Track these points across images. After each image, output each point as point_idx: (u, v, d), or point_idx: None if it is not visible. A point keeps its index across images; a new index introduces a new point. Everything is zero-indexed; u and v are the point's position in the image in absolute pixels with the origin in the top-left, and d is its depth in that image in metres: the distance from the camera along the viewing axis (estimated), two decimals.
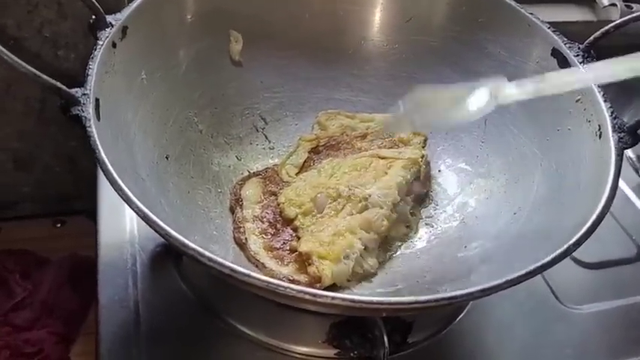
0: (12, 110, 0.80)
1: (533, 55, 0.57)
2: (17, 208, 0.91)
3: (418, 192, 0.58)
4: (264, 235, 0.53)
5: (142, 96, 0.52)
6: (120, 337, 0.49)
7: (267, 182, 0.58)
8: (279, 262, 0.51)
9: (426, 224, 0.57)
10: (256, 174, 0.59)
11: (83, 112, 0.41)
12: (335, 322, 0.51)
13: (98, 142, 0.40)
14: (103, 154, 0.39)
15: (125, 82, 0.50)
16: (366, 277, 0.51)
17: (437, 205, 0.59)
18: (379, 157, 0.58)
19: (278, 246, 0.52)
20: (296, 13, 0.63)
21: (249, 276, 0.33)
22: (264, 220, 0.54)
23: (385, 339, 0.47)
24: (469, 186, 0.58)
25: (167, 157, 0.53)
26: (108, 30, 0.48)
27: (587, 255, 0.63)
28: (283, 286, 0.33)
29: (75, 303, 0.76)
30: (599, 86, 0.50)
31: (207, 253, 0.34)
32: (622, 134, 0.47)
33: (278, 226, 0.53)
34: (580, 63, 0.53)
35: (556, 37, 0.55)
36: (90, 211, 0.92)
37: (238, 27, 0.61)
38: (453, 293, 0.35)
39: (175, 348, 0.50)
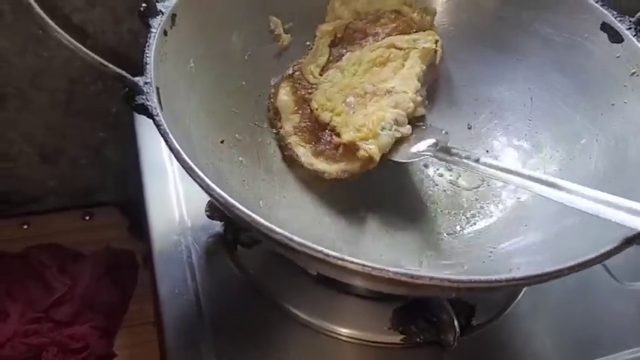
0: (38, 102, 0.78)
1: (582, 30, 0.56)
2: (42, 202, 0.89)
3: (430, 80, 0.61)
4: (309, 144, 0.55)
5: (191, 85, 0.51)
6: (185, 329, 0.48)
7: (297, 86, 0.59)
8: (332, 162, 0.54)
9: (481, 207, 0.56)
10: (285, 78, 0.60)
11: (148, 101, 0.40)
12: (398, 307, 0.51)
13: (169, 131, 0.39)
14: (176, 144, 0.38)
15: (176, 70, 0.49)
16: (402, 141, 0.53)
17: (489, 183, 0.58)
18: (395, 48, 0.59)
19: (324, 149, 0.54)
20: None
21: (343, 259, 0.33)
22: (305, 129, 0.56)
23: (455, 322, 0.46)
24: (525, 164, 0.57)
25: (222, 142, 0.52)
26: (159, 18, 0.47)
27: None
28: (378, 269, 0.33)
29: (114, 296, 0.75)
30: None
31: (296, 238, 0.33)
32: None
33: (317, 131, 0.56)
34: (634, 36, 0.52)
35: (605, 11, 0.54)
36: (117, 203, 0.92)
37: (279, 12, 0.60)
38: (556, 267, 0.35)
39: (239, 336, 0.49)
